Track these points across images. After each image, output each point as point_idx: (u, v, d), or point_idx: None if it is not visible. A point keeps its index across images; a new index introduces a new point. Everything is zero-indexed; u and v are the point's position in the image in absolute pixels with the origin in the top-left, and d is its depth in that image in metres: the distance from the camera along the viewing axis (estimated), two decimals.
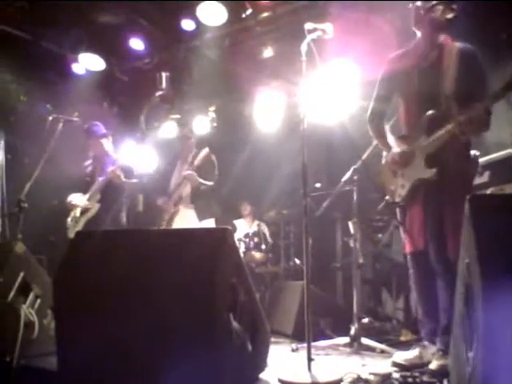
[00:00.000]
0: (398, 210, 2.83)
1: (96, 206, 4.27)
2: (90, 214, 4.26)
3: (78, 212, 4.30)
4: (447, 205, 2.53)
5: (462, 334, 1.70)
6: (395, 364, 2.67)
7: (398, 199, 2.78)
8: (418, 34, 2.77)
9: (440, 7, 2.59)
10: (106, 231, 3.23)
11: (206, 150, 4.45)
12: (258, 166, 6.35)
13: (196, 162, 4.40)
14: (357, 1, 4.54)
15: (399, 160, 2.74)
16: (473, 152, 2.72)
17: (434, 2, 2.59)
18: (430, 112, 2.59)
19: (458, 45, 2.66)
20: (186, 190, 4.48)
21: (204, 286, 1.96)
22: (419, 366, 2.56)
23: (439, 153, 2.57)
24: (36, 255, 3.34)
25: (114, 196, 4.28)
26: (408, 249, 2.77)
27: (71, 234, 4.22)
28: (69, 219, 4.35)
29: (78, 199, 4.36)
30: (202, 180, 4.36)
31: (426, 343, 2.68)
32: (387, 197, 2.87)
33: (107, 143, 4.55)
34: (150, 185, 4.85)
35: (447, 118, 2.53)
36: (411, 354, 2.67)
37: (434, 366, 2.45)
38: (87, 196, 4.34)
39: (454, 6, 2.59)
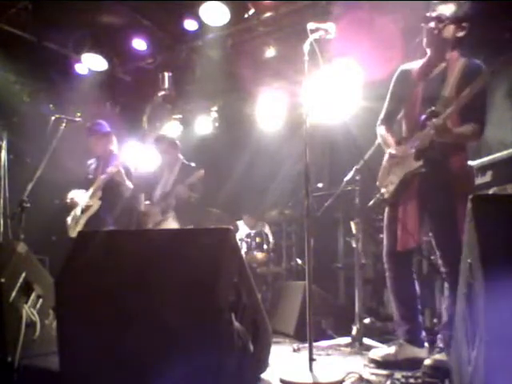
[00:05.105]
0: (387, 209, 2.88)
1: (97, 204, 4.26)
2: (91, 212, 4.25)
3: (78, 210, 4.29)
4: (447, 202, 2.56)
5: (464, 333, 1.70)
6: (371, 360, 2.76)
7: (386, 195, 2.86)
8: (429, 51, 2.82)
9: (452, 26, 2.67)
10: (108, 231, 3.23)
11: (201, 172, 4.58)
12: (260, 165, 6.35)
13: (190, 180, 4.54)
14: (360, 0, 4.54)
15: (394, 159, 2.84)
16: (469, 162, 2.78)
17: (447, 22, 2.65)
18: (428, 110, 2.64)
19: (465, 59, 2.72)
20: (173, 200, 4.62)
21: (206, 286, 1.96)
22: (393, 363, 2.64)
23: (428, 149, 2.63)
24: (38, 255, 3.35)
25: (115, 194, 4.28)
26: (399, 247, 2.73)
27: (73, 234, 4.22)
28: (69, 218, 4.34)
29: (79, 196, 4.35)
30: (191, 193, 4.58)
31: (402, 341, 2.73)
32: (378, 195, 2.96)
33: (111, 142, 4.54)
34: (152, 185, 4.86)
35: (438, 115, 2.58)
36: (387, 351, 2.75)
37: (429, 361, 2.46)
38: (89, 193, 4.32)
39: (465, 25, 2.68)
